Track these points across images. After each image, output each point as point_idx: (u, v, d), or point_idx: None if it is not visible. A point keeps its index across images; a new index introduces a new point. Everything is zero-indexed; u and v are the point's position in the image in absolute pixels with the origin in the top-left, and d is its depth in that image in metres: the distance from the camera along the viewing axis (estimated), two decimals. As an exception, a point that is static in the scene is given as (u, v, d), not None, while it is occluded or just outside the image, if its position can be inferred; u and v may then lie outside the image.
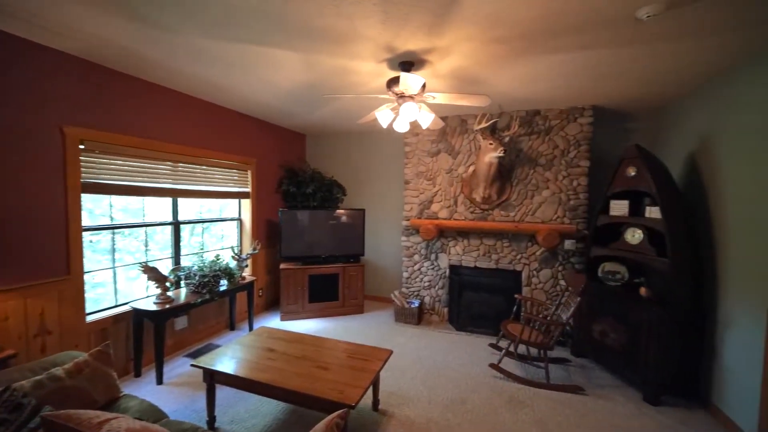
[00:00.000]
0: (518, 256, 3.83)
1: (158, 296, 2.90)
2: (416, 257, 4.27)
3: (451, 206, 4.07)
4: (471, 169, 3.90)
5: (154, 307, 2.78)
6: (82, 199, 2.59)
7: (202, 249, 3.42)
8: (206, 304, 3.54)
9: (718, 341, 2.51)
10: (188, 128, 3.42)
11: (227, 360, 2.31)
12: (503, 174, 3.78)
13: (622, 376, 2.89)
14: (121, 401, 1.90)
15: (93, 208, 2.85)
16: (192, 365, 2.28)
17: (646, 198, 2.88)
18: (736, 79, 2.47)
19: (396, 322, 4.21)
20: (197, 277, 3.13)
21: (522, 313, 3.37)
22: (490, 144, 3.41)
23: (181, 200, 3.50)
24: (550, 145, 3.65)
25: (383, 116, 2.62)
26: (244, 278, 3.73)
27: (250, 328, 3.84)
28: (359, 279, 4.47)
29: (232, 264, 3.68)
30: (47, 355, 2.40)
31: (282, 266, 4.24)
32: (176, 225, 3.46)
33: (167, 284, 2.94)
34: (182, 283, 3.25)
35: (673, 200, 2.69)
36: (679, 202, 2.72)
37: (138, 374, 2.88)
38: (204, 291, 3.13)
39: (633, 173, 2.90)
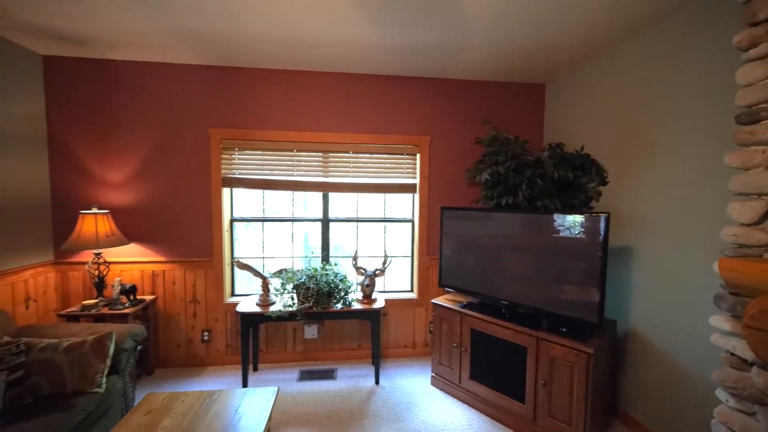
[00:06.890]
0: None
1: (260, 297, 2.66)
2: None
3: None
4: None
5: (249, 308, 2.56)
6: (234, 193, 3.01)
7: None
8: (344, 320, 2.96)
9: None
10: (317, 109, 2.90)
11: None
12: None
13: None
14: (82, 398, 1.78)
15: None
16: None
17: None
18: None
19: None
20: (290, 286, 2.56)
21: None
22: None
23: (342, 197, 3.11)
24: None
25: None
26: (373, 300, 2.68)
27: (376, 379, 2.69)
28: (579, 379, 1.86)
29: (357, 279, 2.75)
30: (197, 319, 2.89)
31: (436, 300, 2.65)
32: (325, 222, 3.09)
33: (269, 286, 2.64)
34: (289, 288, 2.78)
35: None
36: None
37: (255, 368, 2.86)
38: (308, 304, 2.51)
39: None
